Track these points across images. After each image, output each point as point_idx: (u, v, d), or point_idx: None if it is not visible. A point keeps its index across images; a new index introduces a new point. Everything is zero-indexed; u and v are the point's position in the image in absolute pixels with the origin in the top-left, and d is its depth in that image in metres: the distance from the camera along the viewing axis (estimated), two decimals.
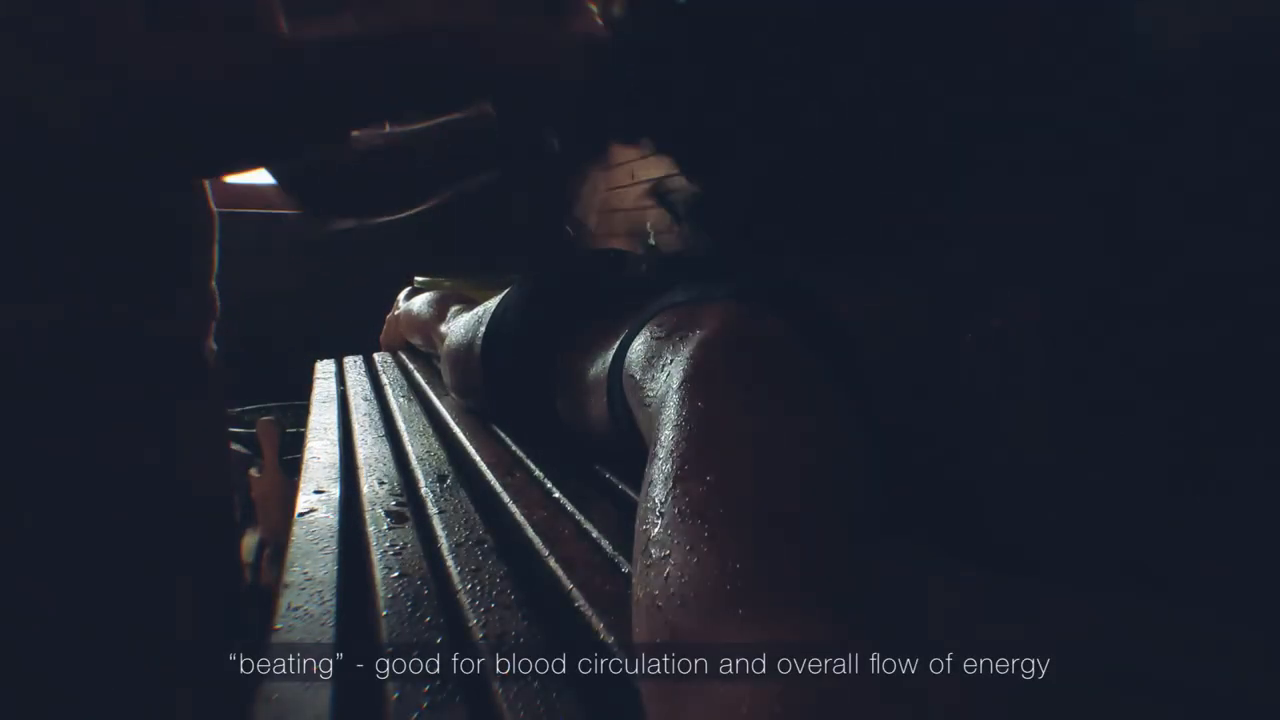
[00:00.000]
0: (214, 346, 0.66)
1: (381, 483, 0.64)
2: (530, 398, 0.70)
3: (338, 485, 0.63)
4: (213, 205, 0.64)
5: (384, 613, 0.41)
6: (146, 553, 0.54)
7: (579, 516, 0.53)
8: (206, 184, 0.63)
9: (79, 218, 0.49)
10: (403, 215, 0.63)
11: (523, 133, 0.57)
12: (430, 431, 0.81)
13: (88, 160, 0.45)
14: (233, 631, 0.65)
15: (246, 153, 0.49)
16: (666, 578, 0.25)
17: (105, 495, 0.51)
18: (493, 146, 0.59)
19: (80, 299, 0.50)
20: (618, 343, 0.50)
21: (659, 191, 0.52)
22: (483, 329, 0.77)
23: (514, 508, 0.55)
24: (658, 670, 0.23)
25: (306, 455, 0.73)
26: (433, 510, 0.56)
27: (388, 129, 0.60)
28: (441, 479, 0.64)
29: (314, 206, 0.61)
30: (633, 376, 0.43)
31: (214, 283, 0.66)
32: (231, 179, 2.33)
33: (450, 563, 0.47)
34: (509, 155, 0.61)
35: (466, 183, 0.65)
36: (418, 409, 0.92)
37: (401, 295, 1.47)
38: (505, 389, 0.76)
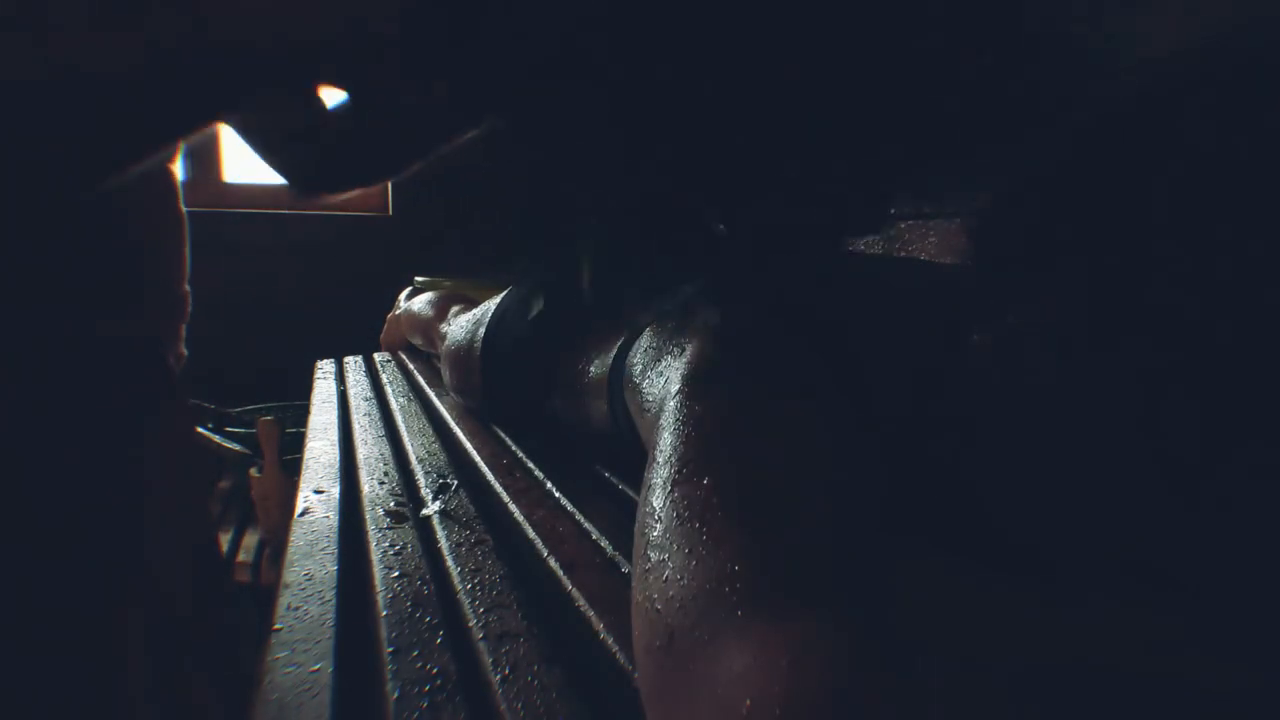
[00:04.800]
0: (184, 351, 0.66)
1: (381, 483, 0.64)
2: (530, 398, 0.70)
3: (338, 485, 0.63)
4: (181, 208, 0.63)
5: (384, 613, 0.40)
6: (104, 555, 0.54)
7: (579, 516, 0.53)
8: (178, 187, 0.62)
9: (31, 223, 0.49)
10: (387, 178, 0.64)
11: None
12: (430, 431, 0.81)
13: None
14: (210, 627, 0.65)
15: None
16: (666, 580, 0.25)
17: (62, 500, 0.52)
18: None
19: (37, 304, 0.51)
20: (618, 344, 0.50)
21: None
22: (482, 329, 0.77)
23: (514, 508, 0.55)
24: (658, 672, 0.23)
25: (306, 455, 0.73)
26: (433, 510, 0.56)
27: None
28: (441, 479, 0.64)
29: (298, 175, 0.61)
30: (633, 378, 0.44)
31: (186, 285, 0.65)
32: (231, 179, 2.34)
33: (450, 563, 0.47)
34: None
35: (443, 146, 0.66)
36: (418, 409, 0.92)
37: (402, 295, 1.47)
38: (505, 389, 0.76)
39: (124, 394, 0.57)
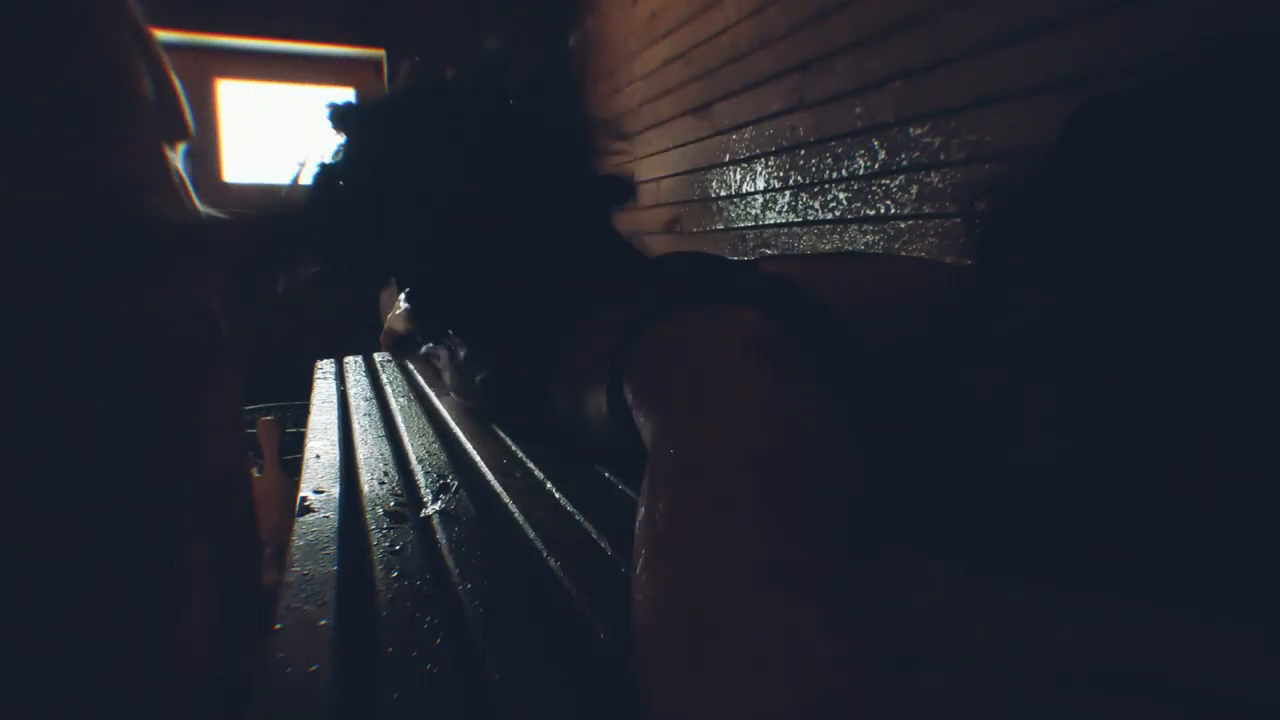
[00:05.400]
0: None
1: (382, 483, 0.64)
2: (530, 397, 0.70)
3: (338, 485, 0.63)
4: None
5: (384, 613, 0.40)
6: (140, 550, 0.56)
7: (579, 516, 0.53)
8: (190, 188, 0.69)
9: None
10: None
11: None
12: (430, 431, 0.81)
13: None
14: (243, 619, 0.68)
15: None
16: (666, 580, 0.25)
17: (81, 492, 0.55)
18: None
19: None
20: (618, 344, 0.50)
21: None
22: None
23: (514, 508, 0.55)
24: (658, 671, 0.23)
25: (306, 455, 0.73)
26: (433, 510, 0.56)
27: None
28: (441, 479, 0.64)
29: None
30: (633, 378, 0.44)
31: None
32: (231, 179, 2.34)
33: (450, 563, 0.47)
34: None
35: None
36: (418, 409, 0.92)
37: (402, 296, 1.47)
38: (505, 388, 0.76)
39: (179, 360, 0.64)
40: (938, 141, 0.99)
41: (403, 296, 1.45)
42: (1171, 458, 0.26)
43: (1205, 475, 0.25)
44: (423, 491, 0.61)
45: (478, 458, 0.69)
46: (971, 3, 0.93)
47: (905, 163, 1.05)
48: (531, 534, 0.50)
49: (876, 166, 1.12)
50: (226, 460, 0.64)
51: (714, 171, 1.60)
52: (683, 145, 1.74)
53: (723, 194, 1.57)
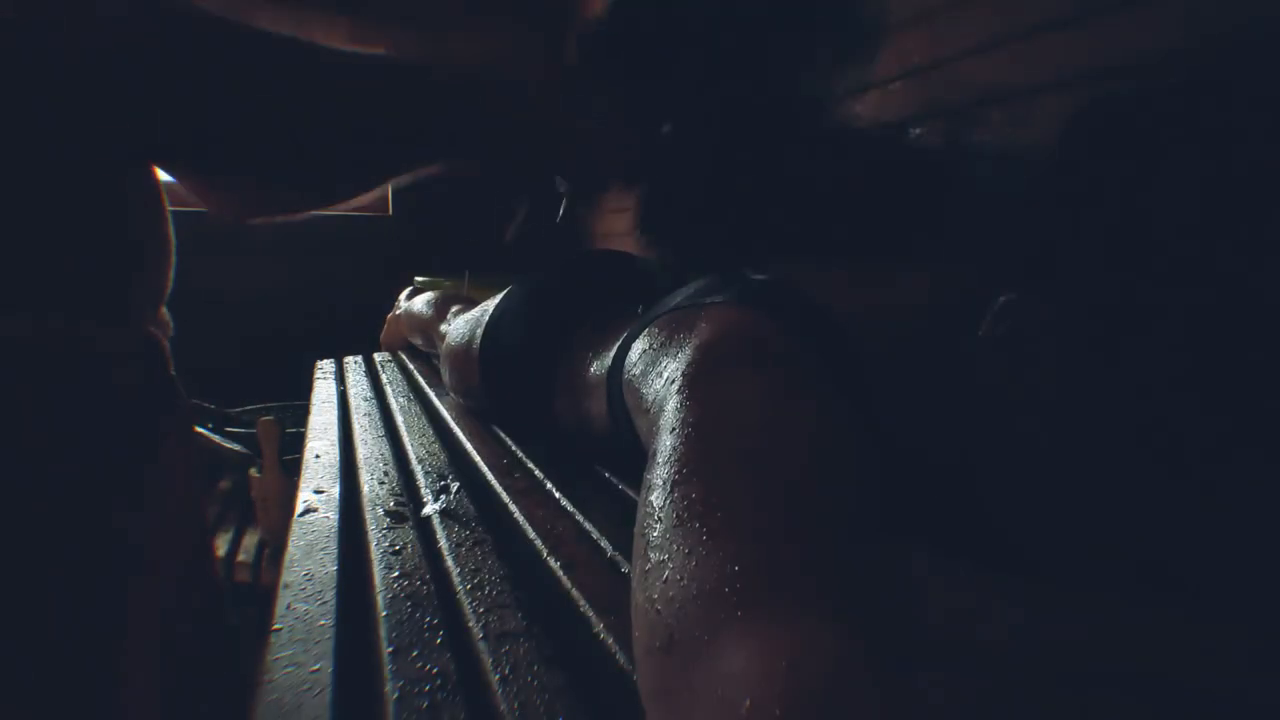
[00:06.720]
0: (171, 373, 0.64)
1: (381, 483, 0.64)
2: (529, 397, 0.70)
3: (338, 485, 0.63)
4: (170, 230, 0.60)
5: (384, 613, 0.40)
6: (104, 562, 0.53)
7: (579, 516, 0.53)
8: (166, 205, 0.59)
9: (43, 226, 0.47)
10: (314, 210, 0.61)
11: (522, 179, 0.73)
12: (430, 431, 0.81)
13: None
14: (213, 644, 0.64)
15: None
16: (666, 581, 0.25)
17: (60, 508, 0.50)
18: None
19: (47, 313, 0.49)
20: (617, 345, 0.50)
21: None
22: (481, 330, 0.77)
23: (514, 508, 0.55)
24: (658, 672, 0.23)
25: (306, 455, 0.73)
26: (433, 510, 0.56)
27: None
28: (441, 479, 0.64)
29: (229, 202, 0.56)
30: (632, 379, 0.44)
31: (165, 310, 0.63)
32: None
33: (450, 563, 0.47)
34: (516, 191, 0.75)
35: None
36: (418, 409, 0.92)
37: (402, 295, 1.48)
38: (504, 388, 0.76)
39: (128, 399, 0.56)
40: (938, 142, 0.99)
41: (403, 296, 1.45)
42: (1172, 457, 0.26)
43: (1206, 475, 0.25)
44: (423, 491, 0.61)
45: (478, 458, 0.69)
46: (972, 3, 0.93)
47: None
48: (531, 534, 0.50)
49: None
50: (172, 490, 0.61)
51: None
52: None
53: None
